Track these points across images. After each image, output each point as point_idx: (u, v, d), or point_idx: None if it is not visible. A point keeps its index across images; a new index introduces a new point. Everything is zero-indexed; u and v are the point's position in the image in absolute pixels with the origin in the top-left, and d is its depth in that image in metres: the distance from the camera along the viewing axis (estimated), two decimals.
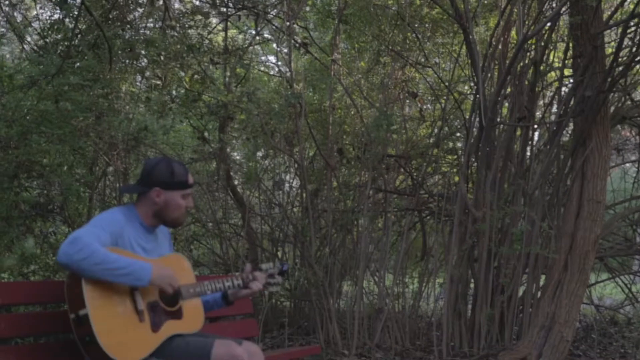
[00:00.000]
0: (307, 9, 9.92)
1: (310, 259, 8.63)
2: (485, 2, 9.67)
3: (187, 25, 8.63)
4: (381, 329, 8.72)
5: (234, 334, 5.05)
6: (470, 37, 8.29)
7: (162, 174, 4.42)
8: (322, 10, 9.91)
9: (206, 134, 9.53)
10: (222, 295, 4.89)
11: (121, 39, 7.54)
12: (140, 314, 4.16)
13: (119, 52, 7.42)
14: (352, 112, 10.00)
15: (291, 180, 10.47)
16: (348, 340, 8.54)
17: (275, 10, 9.39)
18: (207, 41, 9.12)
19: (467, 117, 9.37)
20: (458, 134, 10.46)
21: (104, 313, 3.99)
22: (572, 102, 8.37)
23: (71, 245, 3.87)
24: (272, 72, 11.37)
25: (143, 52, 7.85)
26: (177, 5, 9.24)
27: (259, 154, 9.64)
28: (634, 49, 7.90)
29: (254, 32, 10.01)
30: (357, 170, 9.81)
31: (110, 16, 7.72)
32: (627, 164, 11.57)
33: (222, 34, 10.08)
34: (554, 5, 8.60)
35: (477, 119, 8.56)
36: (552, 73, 9.60)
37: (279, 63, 10.31)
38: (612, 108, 8.55)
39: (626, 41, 7.93)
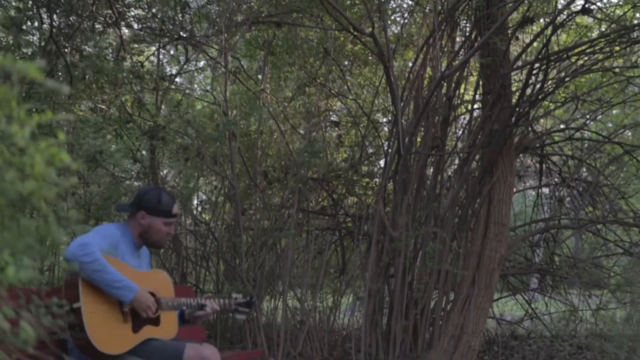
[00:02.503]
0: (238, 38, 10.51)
1: (241, 274, 9.27)
2: (403, 41, 10.40)
3: (130, 53, 9.25)
4: (303, 340, 9.38)
5: (184, 338, 5.67)
6: (390, 71, 9.01)
7: (150, 200, 5.10)
8: (252, 42, 10.53)
9: (138, 154, 10.08)
10: (179, 313, 5.51)
11: (76, 67, 8.13)
12: (125, 315, 4.82)
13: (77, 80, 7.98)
14: (275, 137, 10.67)
15: (215, 200, 11.02)
16: (274, 350, 9.17)
17: (207, 40, 9.94)
18: (144, 68, 9.72)
19: (385, 144, 10.14)
20: (373, 159, 11.18)
21: (94, 308, 4.64)
22: (480, 134, 9.19)
23: (80, 247, 4.52)
24: (200, 97, 11.90)
25: (90, 78, 8.42)
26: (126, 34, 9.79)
27: (194, 175, 10.20)
28: (538, 88, 8.76)
29: (188, 60, 10.57)
30: (279, 192, 10.47)
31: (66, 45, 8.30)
32: (528, 190, 12.41)
33: (153, 60, 10.67)
34: (467, 44, 9.40)
35: (395, 147, 9.30)
36: (462, 107, 10.41)
37: (213, 92, 10.88)
38: (516, 139, 9.34)
39: (532, 79, 8.77)
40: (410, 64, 10.31)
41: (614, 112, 11.90)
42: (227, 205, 10.63)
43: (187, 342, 5.08)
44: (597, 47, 8.63)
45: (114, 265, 4.72)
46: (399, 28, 10.81)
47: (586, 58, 8.83)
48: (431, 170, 9.86)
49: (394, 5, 10.44)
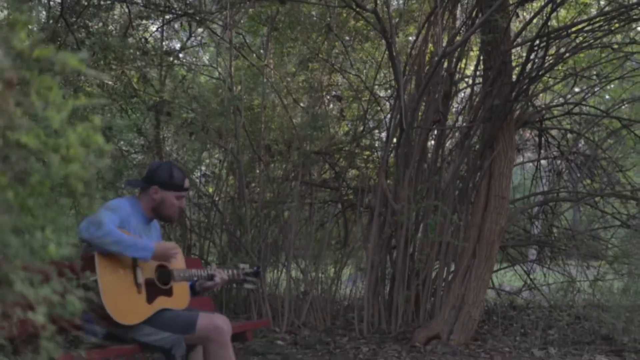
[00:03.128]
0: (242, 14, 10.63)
1: (246, 245, 9.46)
2: (405, 17, 10.54)
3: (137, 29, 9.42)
4: (307, 310, 9.60)
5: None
6: (393, 48, 9.17)
7: (162, 175, 5.28)
8: (255, 18, 10.66)
9: (143, 128, 10.24)
10: (190, 285, 5.71)
11: (84, 44, 8.31)
12: (139, 286, 5.01)
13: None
14: (278, 110, 10.83)
15: (218, 173, 11.18)
16: (278, 319, 9.38)
17: (211, 16, 10.06)
18: (149, 44, 9.89)
19: (387, 118, 10.30)
20: (374, 133, 11.36)
21: (110, 280, 4.83)
22: (481, 109, 9.37)
23: (92, 225, 4.70)
24: (205, 73, 12.03)
25: (98, 55, 8.60)
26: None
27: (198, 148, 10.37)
28: (538, 64, 8.93)
29: (192, 35, 10.70)
30: (281, 165, 10.65)
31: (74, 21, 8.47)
32: (527, 163, 12.59)
33: (157, 35, 10.81)
34: (468, 21, 9.55)
35: (397, 121, 9.48)
36: (463, 83, 10.58)
37: (218, 67, 11.01)
38: (516, 113, 9.50)
39: (532, 55, 8.93)
40: (411, 39, 10.47)
41: (612, 86, 12.04)
42: (230, 178, 10.79)
43: (199, 311, 5.29)
44: (596, 25, 8.78)
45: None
46: (400, 3, 10.98)
47: (585, 35, 8.99)
48: (432, 144, 10.04)
49: None
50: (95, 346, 4.88)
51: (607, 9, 8.92)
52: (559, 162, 11.55)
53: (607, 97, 12.63)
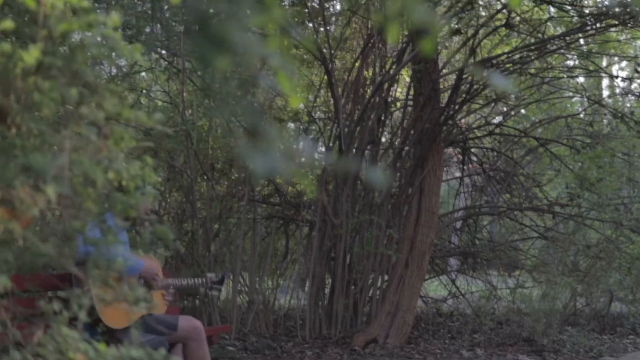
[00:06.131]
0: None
1: (198, 259, 10.07)
2: (341, 46, 11.27)
3: None
4: (252, 318, 10.24)
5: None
6: (332, 75, 9.90)
7: None
8: None
9: None
10: None
11: None
12: None
13: None
14: (220, 132, 11.42)
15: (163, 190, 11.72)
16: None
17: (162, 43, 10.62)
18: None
19: (326, 139, 10.99)
20: (312, 152, 12.00)
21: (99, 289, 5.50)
22: (413, 132, 10.17)
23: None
24: (159, 98, 12.51)
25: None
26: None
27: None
28: (465, 90, 9.79)
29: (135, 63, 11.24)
30: (225, 182, 11.26)
31: None
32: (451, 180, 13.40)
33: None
34: (400, 49, 10.37)
35: (335, 142, 10.23)
36: (396, 106, 11.37)
37: (169, 92, 11.50)
38: (443, 134, 10.32)
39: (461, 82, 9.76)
40: (347, 65, 11.20)
41: (529, 108, 12.90)
42: (175, 195, 11.33)
43: (178, 315, 6.02)
44: (517, 56, 9.65)
45: None
46: (333, 31, 11.69)
47: (509, 65, 9.85)
48: (368, 163, 10.75)
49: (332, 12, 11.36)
50: None
51: (527, 40, 9.79)
52: (480, 178, 12.37)
53: (526, 116, 13.47)
